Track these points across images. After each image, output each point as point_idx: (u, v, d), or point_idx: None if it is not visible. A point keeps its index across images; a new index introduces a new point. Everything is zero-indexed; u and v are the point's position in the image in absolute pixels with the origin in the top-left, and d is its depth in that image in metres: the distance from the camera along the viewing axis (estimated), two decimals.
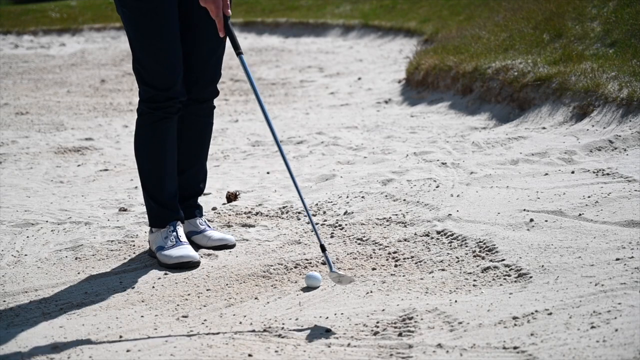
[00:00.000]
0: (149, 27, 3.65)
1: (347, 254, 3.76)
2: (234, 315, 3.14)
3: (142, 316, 3.18)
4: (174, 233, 3.81)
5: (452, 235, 3.84)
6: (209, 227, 4.05)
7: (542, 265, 3.31)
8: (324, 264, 3.65)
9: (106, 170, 6.12)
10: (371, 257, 3.71)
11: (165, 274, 3.65)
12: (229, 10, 3.60)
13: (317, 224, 4.25)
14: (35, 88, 10.65)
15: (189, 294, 3.40)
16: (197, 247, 3.97)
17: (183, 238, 3.81)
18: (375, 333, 2.84)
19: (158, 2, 3.63)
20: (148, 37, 3.66)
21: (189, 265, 3.69)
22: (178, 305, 3.29)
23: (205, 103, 3.94)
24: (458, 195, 4.45)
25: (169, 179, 3.83)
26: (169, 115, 3.77)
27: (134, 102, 9.19)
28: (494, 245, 3.62)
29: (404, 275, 3.45)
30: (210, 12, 3.56)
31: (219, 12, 3.55)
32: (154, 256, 3.83)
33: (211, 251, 3.90)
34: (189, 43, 3.79)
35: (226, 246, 3.95)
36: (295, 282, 3.48)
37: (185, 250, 3.74)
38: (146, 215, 4.62)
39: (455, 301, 3.06)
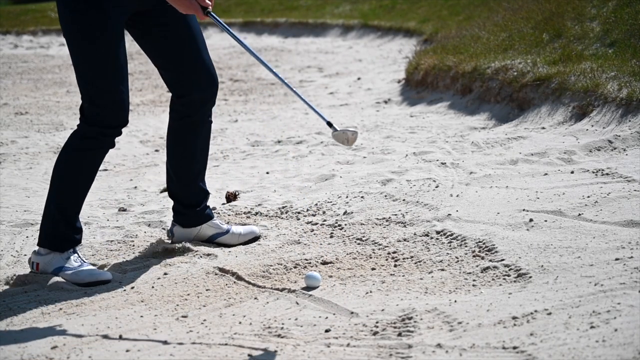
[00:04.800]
0: (95, 51, 3.58)
1: (347, 254, 3.76)
2: (233, 315, 3.14)
3: (141, 316, 3.18)
4: (75, 254, 3.72)
5: (451, 235, 3.84)
6: (228, 224, 4.07)
7: (542, 265, 3.31)
8: (323, 263, 3.65)
9: (105, 170, 6.12)
10: (371, 257, 3.71)
11: (165, 274, 3.65)
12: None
13: (316, 224, 4.25)
14: (34, 88, 10.65)
15: (188, 294, 3.40)
16: (224, 246, 3.96)
17: (85, 258, 3.75)
18: (375, 333, 2.84)
19: (102, 17, 3.56)
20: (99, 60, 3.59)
21: (103, 283, 3.61)
22: (177, 305, 3.29)
23: (209, 104, 3.88)
24: (457, 195, 4.44)
25: (82, 203, 3.76)
26: (114, 142, 3.72)
27: (133, 102, 9.19)
28: (494, 245, 3.62)
29: (403, 275, 3.45)
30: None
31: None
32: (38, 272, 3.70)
33: (211, 251, 3.90)
34: (163, 60, 3.79)
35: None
36: (295, 282, 3.48)
37: (95, 269, 3.67)
38: (145, 215, 4.63)
39: (455, 301, 3.06)
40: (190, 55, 3.77)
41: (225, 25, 3.69)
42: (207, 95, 3.85)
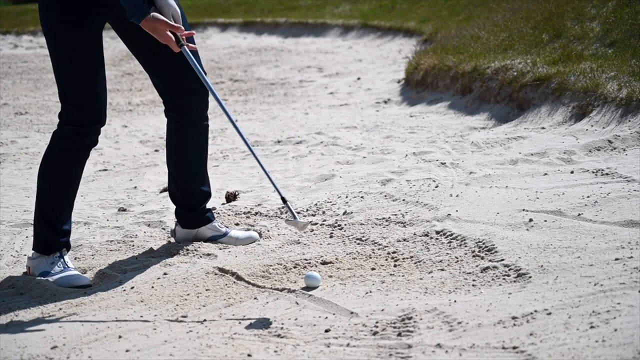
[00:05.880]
0: (70, 48, 3.60)
1: (347, 254, 3.76)
2: (233, 315, 3.14)
3: (141, 316, 3.18)
4: (61, 259, 3.69)
5: (451, 235, 3.84)
6: (228, 227, 4.07)
7: (542, 265, 3.31)
8: (323, 263, 3.65)
9: (105, 170, 6.12)
10: (370, 257, 3.71)
11: (165, 274, 3.65)
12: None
13: (316, 224, 4.25)
14: (34, 88, 10.65)
15: (188, 294, 3.40)
16: (223, 246, 3.97)
17: (70, 264, 3.71)
18: (375, 333, 2.84)
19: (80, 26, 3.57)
20: (71, 60, 3.60)
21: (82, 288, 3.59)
22: (177, 305, 3.29)
23: (197, 108, 3.87)
24: (457, 195, 4.45)
25: (67, 207, 3.73)
26: (91, 144, 3.69)
27: (133, 102, 9.19)
28: (493, 245, 3.62)
29: (403, 275, 3.45)
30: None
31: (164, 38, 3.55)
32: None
33: (211, 251, 3.90)
34: (156, 65, 3.78)
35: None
36: (295, 282, 3.49)
37: (72, 275, 3.63)
38: (145, 215, 4.63)
39: (455, 301, 3.06)
40: (177, 60, 3.72)
41: (196, 64, 3.62)
42: (194, 100, 3.84)
